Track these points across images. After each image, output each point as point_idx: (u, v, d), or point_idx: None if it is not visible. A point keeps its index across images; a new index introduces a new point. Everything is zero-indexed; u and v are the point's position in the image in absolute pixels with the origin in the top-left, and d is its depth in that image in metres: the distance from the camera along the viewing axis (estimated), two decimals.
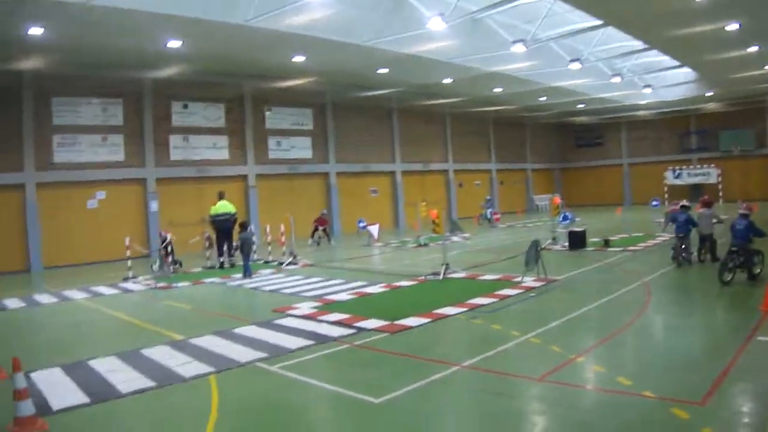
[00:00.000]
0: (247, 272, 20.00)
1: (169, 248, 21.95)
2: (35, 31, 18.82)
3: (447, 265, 17.74)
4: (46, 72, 24.24)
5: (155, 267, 21.64)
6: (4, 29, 18.88)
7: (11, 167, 25.44)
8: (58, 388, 8.91)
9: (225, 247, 22.82)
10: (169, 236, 22.18)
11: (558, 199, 26.79)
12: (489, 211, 39.52)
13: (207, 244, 23.77)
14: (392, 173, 42.43)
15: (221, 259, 22.68)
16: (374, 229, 30.09)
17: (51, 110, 26.72)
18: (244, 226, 21.33)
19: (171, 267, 21.48)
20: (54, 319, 15.03)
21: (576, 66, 29.42)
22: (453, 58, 27.02)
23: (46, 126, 26.52)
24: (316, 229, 30.45)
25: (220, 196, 23.32)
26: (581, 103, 44.26)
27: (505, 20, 26.72)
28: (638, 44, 28.39)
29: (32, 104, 25.98)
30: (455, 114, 46.52)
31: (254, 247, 23.39)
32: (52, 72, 24.38)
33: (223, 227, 22.64)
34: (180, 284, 19.22)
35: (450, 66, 28.09)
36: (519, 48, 24.76)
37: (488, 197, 43.70)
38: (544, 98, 39.89)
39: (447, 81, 32.10)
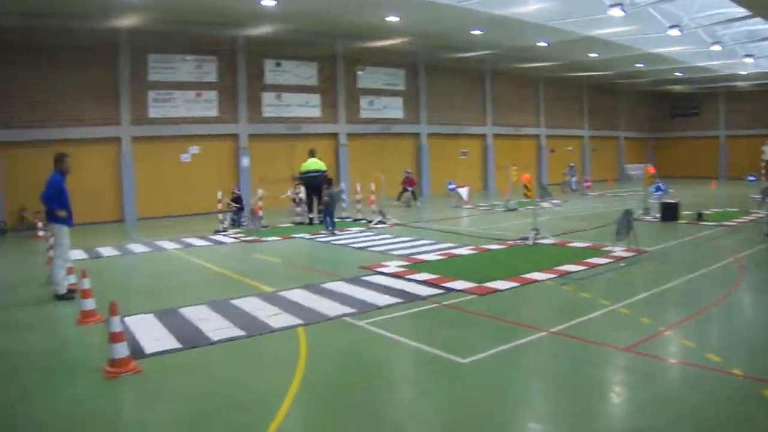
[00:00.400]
0: (329, 227, 20.35)
1: (242, 203, 22.85)
2: None
3: (537, 230, 17.53)
4: (143, 29, 24.90)
5: (226, 224, 22.14)
6: None
7: (108, 121, 26.29)
8: (151, 333, 9.20)
9: (314, 204, 23.10)
10: (261, 191, 22.57)
11: (652, 169, 26.08)
12: (573, 180, 38.62)
13: (297, 200, 24.13)
14: (483, 136, 42.11)
15: (310, 216, 23.00)
16: (464, 192, 29.98)
17: (147, 67, 27.38)
18: (331, 183, 21.61)
19: (260, 222, 21.89)
20: (146, 268, 15.60)
21: (675, 32, 28.37)
22: (549, 21, 26.44)
23: (142, 82, 27.23)
24: (404, 190, 30.51)
25: (311, 154, 23.59)
26: (678, 71, 42.70)
27: None
28: (740, 11, 27.02)
29: (129, 61, 26.68)
30: (548, 78, 45.65)
31: (344, 205, 23.58)
32: (148, 29, 25.02)
33: (312, 184, 22.91)
34: (269, 238, 19.58)
35: (546, 29, 27.49)
36: (616, 12, 24.08)
37: (571, 164, 41.40)
38: (642, 64, 38.67)
39: (542, 44, 31.46)
